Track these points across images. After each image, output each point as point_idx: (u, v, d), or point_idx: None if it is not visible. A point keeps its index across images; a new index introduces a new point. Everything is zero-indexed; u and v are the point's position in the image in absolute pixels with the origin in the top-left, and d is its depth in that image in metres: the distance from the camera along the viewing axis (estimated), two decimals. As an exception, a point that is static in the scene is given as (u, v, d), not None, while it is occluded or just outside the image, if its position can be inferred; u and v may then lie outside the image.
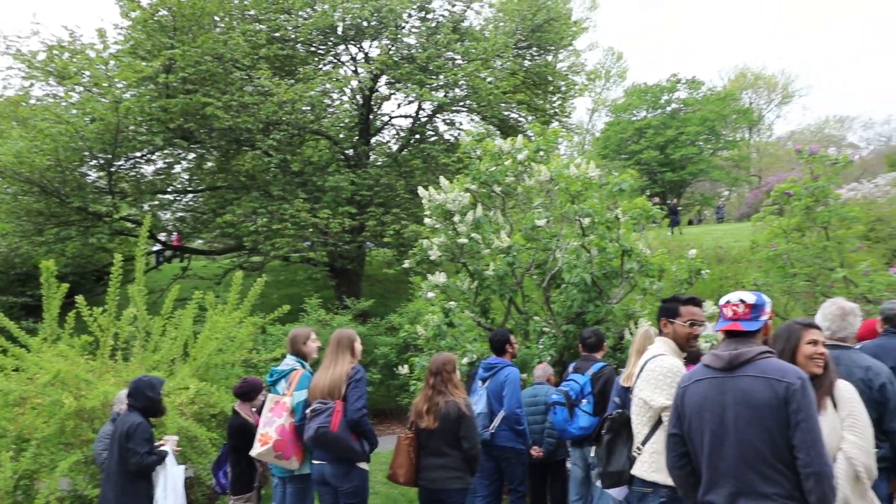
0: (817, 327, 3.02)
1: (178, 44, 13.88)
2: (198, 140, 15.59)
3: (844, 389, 2.95)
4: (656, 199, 27.32)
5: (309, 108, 15.72)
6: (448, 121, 19.60)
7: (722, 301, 2.88)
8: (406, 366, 7.45)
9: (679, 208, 28.29)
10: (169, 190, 17.47)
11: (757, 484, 2.48)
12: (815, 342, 2.95)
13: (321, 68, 17.70)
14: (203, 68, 14.09)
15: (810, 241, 9.33)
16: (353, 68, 18.05)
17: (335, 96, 17.27)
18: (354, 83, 17.29)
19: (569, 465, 5.78)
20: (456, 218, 7.49)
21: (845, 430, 2.83)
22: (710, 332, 5.17)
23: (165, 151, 16.33)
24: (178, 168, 17.68)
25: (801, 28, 69.07)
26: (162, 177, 17.21)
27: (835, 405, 2.91)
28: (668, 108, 38.48)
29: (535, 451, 5.74)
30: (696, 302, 3.64)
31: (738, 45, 67.86)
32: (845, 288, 8.78)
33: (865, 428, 2.88)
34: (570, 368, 5.82)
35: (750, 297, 2.82)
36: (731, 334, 2.79)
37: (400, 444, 4.54)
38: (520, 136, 7.83)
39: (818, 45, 65.33)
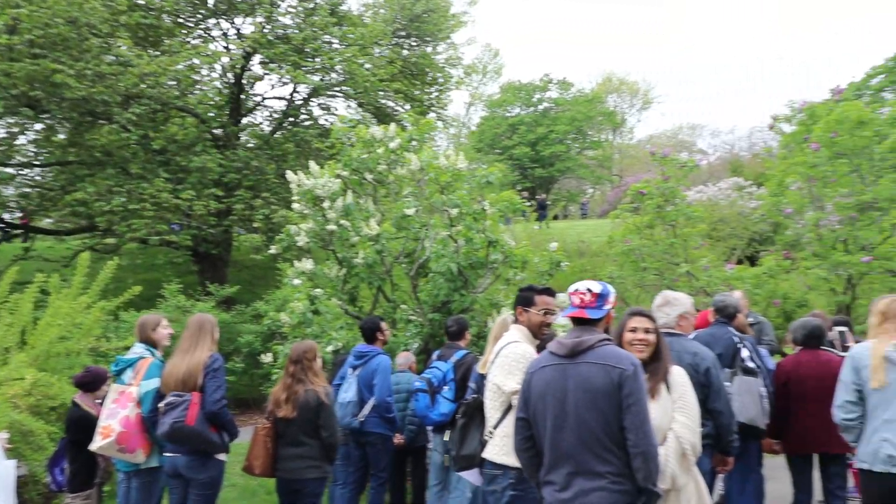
0: (644, 315, 3.24)
1: (25, 2, 12.61)
2: (46, 110, 14.27)
3: (677, 374, 3.19)
4: (525, 194, 28.33)
5: (174, 82, 14.84)
6: (323, 105, 19.24)
7: (571, 289, 3.01)
8: (270, 354, 7.26)
9: (548, 203, 29.48)
10: (11, 163, 15.89)
11: (592, 463, 2.64)
12: (634, 329, 3.18)
13: (189, 42, 16.76)
14: (53, 31, 12.88)
15: (659, 238, 10.06)
16: (225, 44, 17.25)
17: (204, 72, 16.43)
18: (225, 60, 16.52)
19: (429, 449, 5.88)
20: (325, 204, 7.36)
21: (675, 411, 3.06)
22: (561, 321, 5.44)
23: (9, 121, 14.83)
24: (22, 139, 16.10)
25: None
26: (3, 148, 15.60)
27: (668, 389, 3.14)
28: (540, 107, 39.94)
29: (397, 439, 5.79)
30: (550, 292, 3.81)
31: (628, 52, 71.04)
32: (688, 282, 9.54)
33: (693, 409, 3.14)
34: (435, 356, 5.92)
35: (596, 287, 2.97)
36: (577, 321, 2.93)
37: (256, 435, 4.42)
38: (392, 125, 7.82)
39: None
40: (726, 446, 4.02)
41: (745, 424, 4.44)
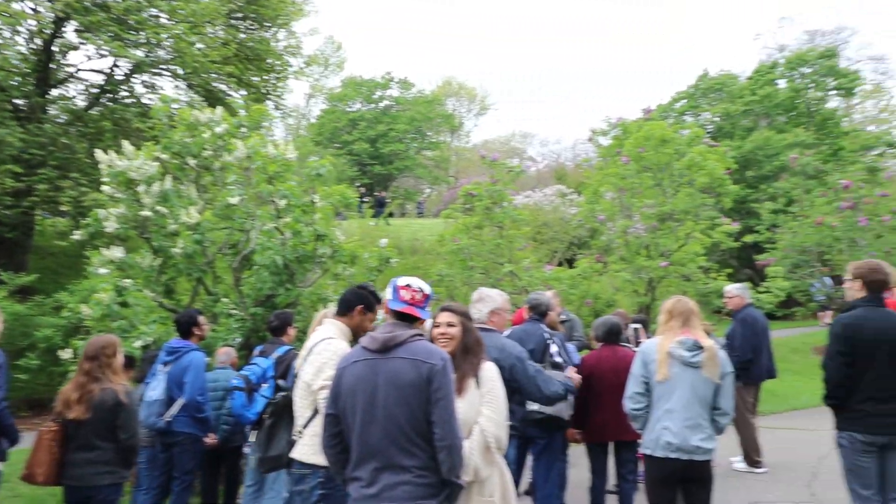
0: (449, 310, 3.33)
1: None
2: None
3: (487, 369, 3.25)
4: (363, 190, 28.28)
5: (-32, 43, 13.06)
6: (148, 83, 17.86)
7: (401, 282, 2.96)
8: (69, 350, 6.61)
9: (387, 201, 29.66)
10: None
11: (398, 458, 2.65)
12: (438, 325, 3.27)
13: (-13, -2, 14.81)
14: None
15: (487, 238, 10.48)
16: (33, 6, 15.45)
17: (6, 34, 14.60)
18: (32, 23, 14.79)
19: (246, 450, 5.66)
20: (141, 188, 6.84)
21: (483, 405, 3.12)
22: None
23: None
24: None
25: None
26: None
27: (478, 383, 3.21)
28: (381, 104, 40.08)
29: (210, 439, 5.51)
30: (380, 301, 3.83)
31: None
32: (511, 281, 10.02)
33: (500, 403, 3.19)
34: (256, 352, 5.72)
35: (427, 288, 3.00)
36: (400, 316, 2.93)
37: (41, 439, 3.97)
38: (219, 108, 7.44)
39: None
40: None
41: (550, 416, 4.72)
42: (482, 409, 3.10)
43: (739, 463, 7.03)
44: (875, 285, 4.08)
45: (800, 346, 15.29)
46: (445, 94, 46.81)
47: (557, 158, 40.65)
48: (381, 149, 37.26)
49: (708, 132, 24.06)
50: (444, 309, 3.30)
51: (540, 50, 76.21)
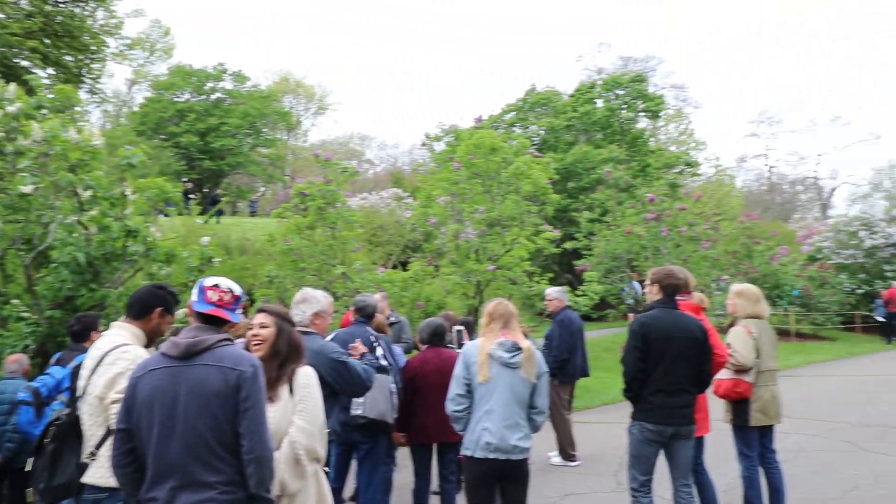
0: (263, 311, 3.17)
1: None
2: None
3: (303, 375, 3.07)
4: (190, 185, 26.65)
5: None
6: (-69, 54, 15.59)
7: (208, 282, 2.73)
8: None
9: (221, 198, 28.17)
10: None
11: (199, 474, 2.43)
12: (251, 327, 3.11)
13: None
14: None
15: (320, 239, 10.27)
16: None
17: None
18: None
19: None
20: None
21: (295, 414, 2.95)
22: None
23: None
24: None
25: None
26: None
27: (292, 390, 3.04)
28: (213, 96, 38.06)
29: (-10, 459, 4.85)
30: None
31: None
32: (343, 283, 9.89)
33: (315, 411, 3.03)
34: (53, 360, 5.12)
35: (237, 288, 2.78)
36: (207, 319, 2.70)
37: None
38: (12, 85, 6.61)
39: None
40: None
41: (374, 420, 4.67)
42: (294, 419, 2.94)
43: (556, 457, 7.42)
44: (669, 289, 4.48)
45: (611, 345, 16.52)
46: (282, 90, 45.46)
47: (395, 162, 41.03)
48: (212, 143, 35.28)
49: (534, 144, 25.48)
50: (260, 310, 3.12)
51: (383, 51, 76.43)
